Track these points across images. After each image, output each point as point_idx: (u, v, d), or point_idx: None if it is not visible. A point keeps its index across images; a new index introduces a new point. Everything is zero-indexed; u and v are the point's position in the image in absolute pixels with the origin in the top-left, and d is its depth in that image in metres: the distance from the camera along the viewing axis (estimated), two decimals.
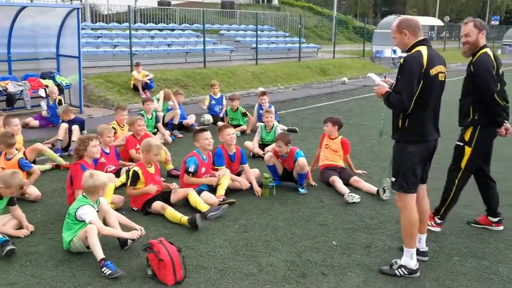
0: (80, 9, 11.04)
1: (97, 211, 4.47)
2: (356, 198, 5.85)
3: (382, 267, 4.19)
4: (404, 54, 3.93)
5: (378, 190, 6.03)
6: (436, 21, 37.59)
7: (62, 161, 7.14)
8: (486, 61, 4.53)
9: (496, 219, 5.04)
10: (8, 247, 4.28)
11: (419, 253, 4.22)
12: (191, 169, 5.77)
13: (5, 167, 5.69)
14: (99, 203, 4.56)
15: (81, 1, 28.93)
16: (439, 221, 4.99)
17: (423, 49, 3.84)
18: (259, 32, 22.41)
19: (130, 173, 5.38)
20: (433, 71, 3.82)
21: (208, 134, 6.00)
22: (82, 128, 8.27)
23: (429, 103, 3.87)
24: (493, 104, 4.51)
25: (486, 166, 4.93)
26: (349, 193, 5.94)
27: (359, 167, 7.07)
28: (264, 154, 7.15)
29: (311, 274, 4.13)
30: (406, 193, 3.95)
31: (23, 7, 10.92)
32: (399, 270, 4.07)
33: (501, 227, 5.05)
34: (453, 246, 4.68)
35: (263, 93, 10.07)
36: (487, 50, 4.58)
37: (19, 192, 5.02)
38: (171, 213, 5.17)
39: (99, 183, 4.45)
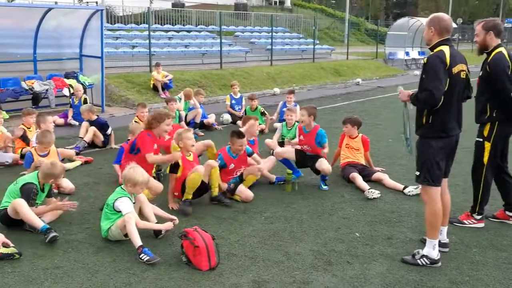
0: (103, 11, 11.39)
1: (134, 203, 4.72)
2: (376, 193, 6.05)
3: (405, 257, 4.39)
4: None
5: (405, 187, 6.22)
6: None
7: (72, 155, 7.33)
8: (501, 61, 4.68)
9: None
10: (52, 234, 4.55)
11: (440, 244, 4.39)
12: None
13: None
14: (135, 195, 4.81)
15: (96, 3, 29.44)
16: (478, 217, 5.12)
17: (445, 49, 4.02)
18: (273, 34, 22.65)
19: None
20: (455, 69, 4.02)
21: (243, 141, 6.10)
22: (103, 129, 8.42)
23: (452, 100, 4.05)
24: (509, 103, 4.66)
25: (503, 163, 5.08)
26: (369, 189, 6.13)
27: (377, 165, 7.25)
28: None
29: (337, 262, 4.36)
30: (430, 186, 4.14)
31: (49, 9, 11.28)
32: (422, 259, 4.26)
33: None
34: (472, 238, 4.87)
35: (291, 92, 10.37)
36: (502, 49, 4.73)
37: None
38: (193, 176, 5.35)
39: (130, 177, 4.63)
